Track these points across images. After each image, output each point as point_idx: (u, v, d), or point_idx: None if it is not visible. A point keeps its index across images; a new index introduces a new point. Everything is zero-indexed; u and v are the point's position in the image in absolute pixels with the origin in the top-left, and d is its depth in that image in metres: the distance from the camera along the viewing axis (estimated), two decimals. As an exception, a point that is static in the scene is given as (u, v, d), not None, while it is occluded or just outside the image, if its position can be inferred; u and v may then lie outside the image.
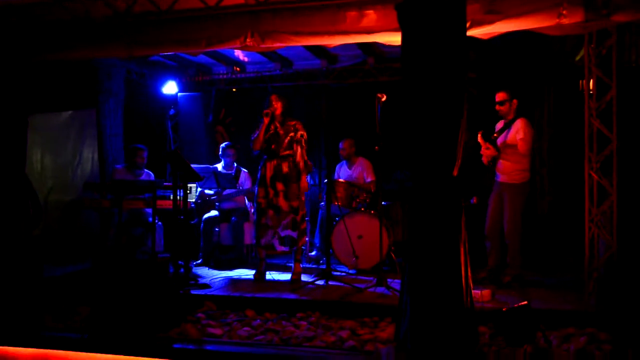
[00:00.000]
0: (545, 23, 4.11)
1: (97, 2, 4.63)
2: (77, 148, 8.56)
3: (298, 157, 5.70)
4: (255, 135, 5.72)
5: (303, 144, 5.71)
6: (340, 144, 6.96)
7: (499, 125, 5.61)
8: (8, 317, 4.41)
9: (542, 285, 5.48)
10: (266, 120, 5.65)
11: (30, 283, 4.59)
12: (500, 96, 5.50)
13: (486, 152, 5.46)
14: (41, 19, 4.70)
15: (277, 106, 5.71)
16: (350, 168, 6.95)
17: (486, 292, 4.77)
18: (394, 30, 4.29)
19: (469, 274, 3.71)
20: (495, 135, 5.51)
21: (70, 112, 8.61)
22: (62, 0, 4.53)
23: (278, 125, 5.76)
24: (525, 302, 4.02)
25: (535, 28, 4.29)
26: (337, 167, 7.13)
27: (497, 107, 5.51)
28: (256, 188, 5.81)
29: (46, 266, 6.36)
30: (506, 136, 5.46)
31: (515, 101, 5.49)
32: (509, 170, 5.44)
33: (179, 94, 8.25)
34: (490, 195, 5.64)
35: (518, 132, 5.36)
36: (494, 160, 5.50)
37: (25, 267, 4.56)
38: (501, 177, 5.50)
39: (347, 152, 6.92)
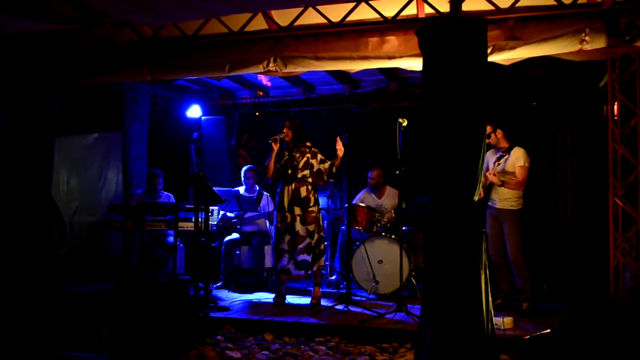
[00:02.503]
0: (567, 49, 4.11)
1: (125, 28, 4.75)
2: (102, 170, 8.71)
3: (328, 169, 5.70)
4: (266, 164, 5.77)
5: (323, 158, 5.75)
6: (369, 172, 6.94)
7: (490, 155, 5.63)
8: (27, 335, 4.46)
9: (565, 314, 5.36)
10: (275, 146, 5.68)
11: (51, 302, 4.64)
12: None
13: (492, 178, 5.44)
14: (70, 45, 4.84)
15: (289, 132, 5.75)
16: (379, 198, 6.90)
17: (508, 320, 4.70)
18: (415, 55, 4.34)
19: (490, 300, 3.66)
20: (499, 163, 5.52)
21: (96, 134, 8.79)
22: (90, 26, 4.65)
23: (292, 149, 5.79)
24: (548, 331, 3.95)
25: (556, 54, 4.29)
26: (361, 192, 7.09)
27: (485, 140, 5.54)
28: (275, 213, 5.84)
29: (70, 286, 6.45)
30: (505, 164, 5.47)
31: (500, 131, 5.55)
32: (507, 197, 5.45)
33: (203, 117, 8.35)
34: (486, 222, 5.61)
35: (518, 159, 5.40)
36: (489, 188, 5.53)
37: (48, 287, 4.61)
38: (499, 204, 5.50)
39: (375, 182, 6.90)
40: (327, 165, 5.72)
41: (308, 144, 5.85)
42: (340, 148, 5.53)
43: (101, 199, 8.52)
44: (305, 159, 5.74)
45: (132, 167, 7.75)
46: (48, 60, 4.67)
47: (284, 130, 5.76)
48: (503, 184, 5.39)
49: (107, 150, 8.70)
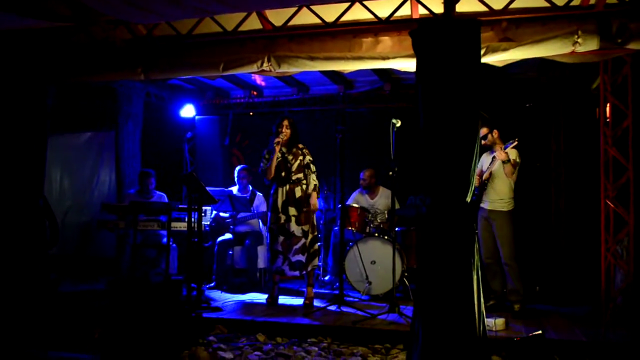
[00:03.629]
0: (559, 51, 4.12)
1: (119, 26, 4.74)
2: (95, 169, 8.69)
3: (309, 181, 5.73)
4: (268, 166, 5.72)
5: (313, 169, 5.76)
6: (361, 174, 6.93)
7: (485, 157, 5.66)
8: (17, 334, 4.44)
9: (557, 315, 5.40)
10: (277, 148, 5.67)
11: (42, 302, 4.62)
12: (482, 131, 5.57)
13: (500, 154, 5.43)
14: (63, 43, 4.82)
15: (287, 132, 5.73)
16: (372, 198, 6.90)
17: (500, 321, 4.70)
18: (409, 56, 4.34)
19: (482, 301, 3.66)
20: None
21: (89, 133, 8.77)
22: (85, 24, 4.63)
23: (285, 151, 5.77)
24: (539, 332, 3.96)
25: (549, 56, 4.30)
26: (354, 193, 7.09)
27: (482, 142, 5.56)
28: (269, 214, 5.83)
29: (62, 285, 6.42)
30: (498, 165, 5.48)
31: (496, 132, 5.57)
32: (498, 198, 5.49)
33: (197, 117, 8.34)
34: (477, 222, 5.63)
35: (510, 156, 5.40)
36: (480, 189, 5.55)
37: (39, 286, 4.59)
38: (490, 205, 5.53)
39: (367, 182, 6.90)
40: (312, 186, 5.74)
41: (300, 145, 5.83)
42: (314, 203, 5.71)
43: (94, 199, 8.51)
44: (298, 161, 5.73)
45: (125, 167, 7.73)
46: (41, 58, 4.65)
47: (283, 130, 5.73)
48: (509, 161, 5.33)
49: (100, 150, 8.68)
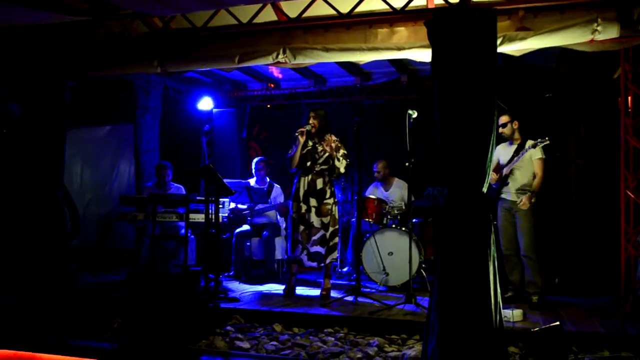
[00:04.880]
0: (578, 40, 4.05)
1: (136, 20, 4.77)
2: (114, 162, 8.81)
3: (342, 170, 5.74)
4: (292, 154, 5.71)
5: (345, 152, 5.77)
6: (374, 165, 6.92)
7: (501, 149, 5.62)
8: (39, 324, 4.52)
9: (576, 307, 5.35)
10: (302, 139, 5.67)
11: (64, 292, 4.69)
12: (502, 119, 5.54)
13: (524, 204, 5.39)
14: (80, 37, 4.87)
15: (315, 123, 5.72)
16: (386, 190, 6.90)
17: (517, 312, 4.68)
18: (425, 46, 4.30)
19: (498, 292, 3.65)
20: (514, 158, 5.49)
21: (109, 126, 8.89)
22: (102, 18, 4.68)
23: (317, 141, 5.78)
24: (557, 323, 3.93)
25: (568, 44, 4.24)
26: (370, 187, 7.09)
27: (500, 129, 5.49)
28: (290, 203, 5.85)
29: (83, 276, 6.54)
30: (520, 158, 5.43)
31: (516, 122, 5.54)
32: (521, 189, 5.44)
33: (214, 110, 8.38)
34: (497, 213, 5.60)
35: (535, 152, 5.39)
36: (503, 180, 5.52)
37: (58, 276, 4.66)
38: (512, 196, 5.48)
39: (381, 174, 6.90)
40: (342, 166, 5.72)
41: (333, 137, 5.81)
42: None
43: (114, 191, 8.63)
44: (327, 153, 5.72)
45: (143, 159, 7.81)
46: (59, 52, 4.70)
47: (310, 122, 5.73)
48: (534, 194, 5.37)
49: (119, 143, 8.79)
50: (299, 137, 5.65)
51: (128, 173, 8.68)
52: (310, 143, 5.75)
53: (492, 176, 5.36)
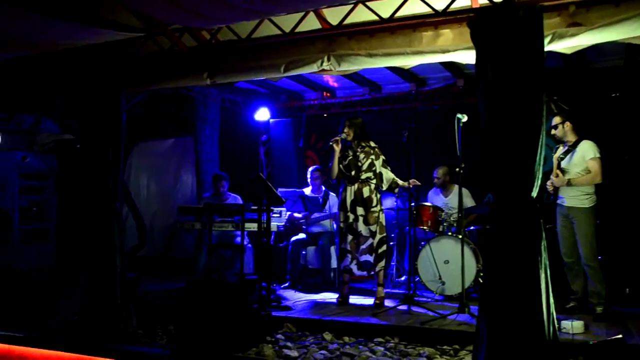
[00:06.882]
0: (634, 33, 3.82)
1: (184, 34, 4.91)
2: (177, 174, 9.09)
3: (384, 179, 5.72)
4: (331, 165, 5.75)
5: (385, 159, 5.76)
6: (434, 172, 6.80)
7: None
8: (98, 329, 4.70)
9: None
10: (336, 147, 5.67)
11: (122, 299, 4.85)
12: (554, 120, 5.30)
13: (557, 180, 5.14)
14: (133, 53, 5.06)
15: (349, 132, 5.72)
16: (446, 196, 6.75)
17: (578, 324, 4.43)
18: (472, 48, 4.17)
19: (551, 302, 3.47)
20: (562, 158, 5.22)
21: (172, 139, 9.20)
22: (154, 34, 4.84)
23: (356, 149, 5.74)
24: (620, 336, 3.69)
25: (625, 39, 4.00)
26: (430, 193, 6.97)
27: (551, 131, 5.24)
28: (337, 213, 5.83)
29: (146, 284, 6.75)
30: (570, 159, 5.17)
31: (568, 124, 5.25)
32: (575, 194, 5.15)
33: (271, 120, 8.48)
34: (556, 219, 5.33)
35: (587, 152, 5.10)
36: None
37: (118, 285, 4.83)
38: (567, 201, 5.19)
39: (441, 181, 6.77)
40: (390, 175, 5.73)
41: (372, 143, 5.79)
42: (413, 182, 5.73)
43: (177, 202, 8.86)
44: (369, 160, 5.69)
45: (204, 171, 8.03)
46: (114, 68, 4.89)
47: (345, 130, 5.74)
48: (569, 182, 5.10)
49: (182, 155, 9.07)
50: (334, 145, 5.65)
51: (190, 184, 8.93)
52: (351, 153, 5.74)
53: (558, 179, 5.14)
